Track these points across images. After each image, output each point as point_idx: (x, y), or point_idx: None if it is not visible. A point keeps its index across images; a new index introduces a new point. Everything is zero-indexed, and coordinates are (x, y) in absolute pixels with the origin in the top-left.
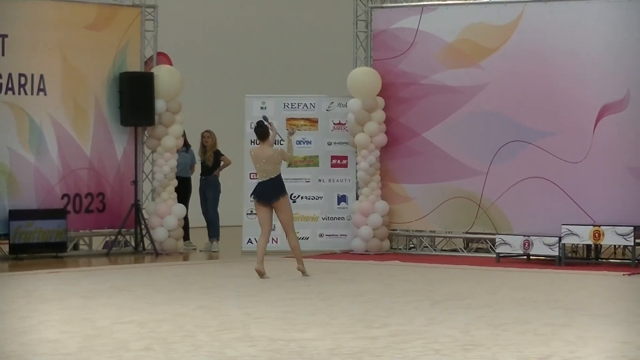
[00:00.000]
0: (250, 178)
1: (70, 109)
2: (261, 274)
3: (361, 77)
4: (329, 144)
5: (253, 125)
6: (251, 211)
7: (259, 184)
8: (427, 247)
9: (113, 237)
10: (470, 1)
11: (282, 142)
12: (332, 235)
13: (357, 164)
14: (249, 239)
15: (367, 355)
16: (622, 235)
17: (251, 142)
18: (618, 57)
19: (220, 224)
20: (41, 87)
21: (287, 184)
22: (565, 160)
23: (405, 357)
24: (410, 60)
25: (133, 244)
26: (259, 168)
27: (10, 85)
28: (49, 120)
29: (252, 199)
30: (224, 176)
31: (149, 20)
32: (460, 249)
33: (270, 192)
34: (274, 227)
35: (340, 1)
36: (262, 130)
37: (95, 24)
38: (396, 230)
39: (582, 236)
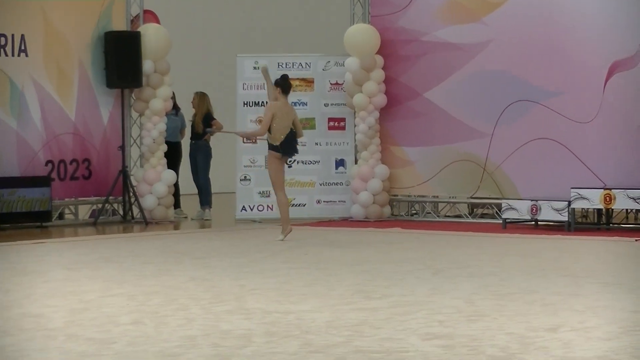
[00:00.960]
0: (243, 142)
1: (53, 71)
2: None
3: (359, 35)
4: (326, 105)
5: (246, 86)
6: (245, 177)
7: (283, 141)
8: (429, 213)
9: (100, 206)
10: None
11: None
12: (330, 201)
13: (355, 126)
14: (243, 207)
15: (367, 327)
16: (635, 199)
17: (243, 104)
18: (629, 12)
19: (212, 191)
20: (22, 48)
21: None
22: (574, 120)
23: (407, 329)
24: (410, 16)
25: (121, 212)
26: (278, 125)
27: None
28: (31, 83)
29: (280, 156)
30: (216, 141)
31: None
32: (465, 214)
33: (294, 146)
34: (269, 193)
35: None
36: (289, 84)
37: None
38: (397, 195)
39: (593, 200)
